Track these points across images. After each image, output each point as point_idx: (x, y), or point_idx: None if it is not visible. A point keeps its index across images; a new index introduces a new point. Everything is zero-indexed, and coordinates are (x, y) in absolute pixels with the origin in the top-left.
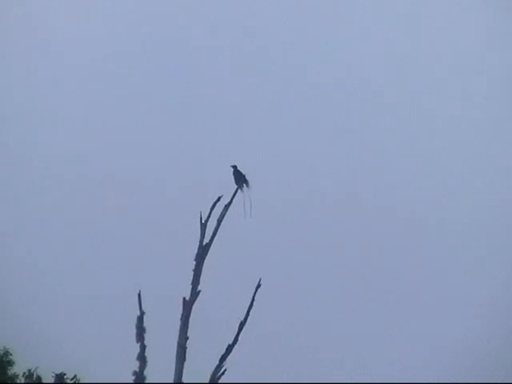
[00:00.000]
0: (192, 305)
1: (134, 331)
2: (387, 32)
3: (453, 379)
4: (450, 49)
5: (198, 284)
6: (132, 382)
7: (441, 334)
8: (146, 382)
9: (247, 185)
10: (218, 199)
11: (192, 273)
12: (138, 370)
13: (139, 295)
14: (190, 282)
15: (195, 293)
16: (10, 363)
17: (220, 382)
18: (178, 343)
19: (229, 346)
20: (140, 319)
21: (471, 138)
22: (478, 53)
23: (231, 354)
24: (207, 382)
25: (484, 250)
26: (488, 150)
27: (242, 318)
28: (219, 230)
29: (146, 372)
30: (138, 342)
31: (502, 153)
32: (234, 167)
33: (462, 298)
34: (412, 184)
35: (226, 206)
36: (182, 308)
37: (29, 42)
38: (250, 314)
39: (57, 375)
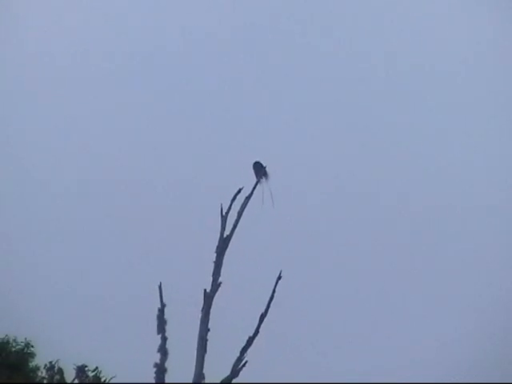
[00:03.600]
0: (213, 297)
1: (155, 323)
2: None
3: (453, 379)
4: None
5: (219, 276)
6: (153, 373)
7: (441, 333)
8: (167, 373)
9: (266, 177)
10: (239, 191)
11: (213, 265)
12: (159, 361)
13: (160, 287)
14: (211, 274)
15: (216, 285)
16: (32, 355)
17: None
18: (199, 335)
19: (249, 338)
20: (161, 311)
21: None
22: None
23: (252, 346)
24: (228, 373)
25: (484, 250)
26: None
27: (263, 310)
28: (240, 222)
29: (167, 364)
30: (159, 333)
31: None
32: (256, 162)
33: (463, 298)
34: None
35: (246, 198)
36: (202, 300)
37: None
38: (271, 306)
39: (78, 367)
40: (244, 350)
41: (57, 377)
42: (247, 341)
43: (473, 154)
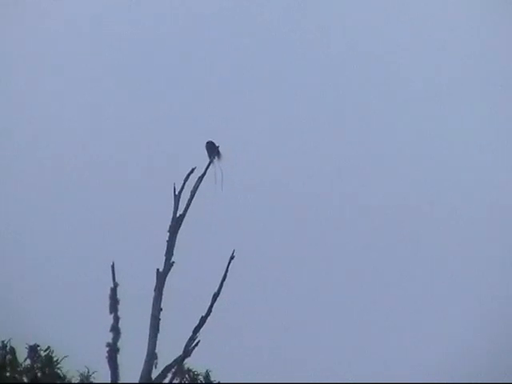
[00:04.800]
0: (165, 276)
1: (107, 302)
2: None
3: (452, 379)
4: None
5: (172, 255)
6: (106, 353)
7: (441, 333)
8: (120, 353)
9: (219, 157)
10: (192, 171)
11: (166, 244)
12: (111, 341)
13: (113, 267)
14: (164, 253)
15: (169, 264)
16: None
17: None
18: (152, 314)
19: (202, 317)
20: (113, 290)
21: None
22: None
23: (204, 326)
24: (181, 353)
25: (485, 251)
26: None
27: (216, 290)
28: (193, 201)
29: (119, 343)
30: (111, 313)
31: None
32: (209, 142)
33: (463, 298)
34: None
35: (199, 177)
36: (155, 279)
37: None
38: (224, 285)
39: (30, 347)
40: (197, 329)
41: (9, 356)
42: (200, 320)
43: (473, 154)
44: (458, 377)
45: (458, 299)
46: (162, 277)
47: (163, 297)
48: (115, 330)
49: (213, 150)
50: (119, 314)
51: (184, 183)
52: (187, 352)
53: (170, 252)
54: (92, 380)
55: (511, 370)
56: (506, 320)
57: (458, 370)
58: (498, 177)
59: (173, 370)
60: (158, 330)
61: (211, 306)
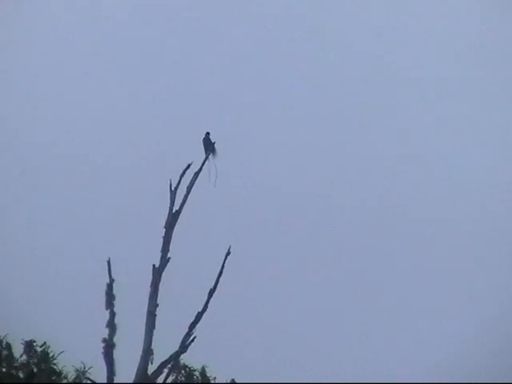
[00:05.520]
0: (161, 272)
1: (103, 298)
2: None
3: (452, 379)
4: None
5: (168, 251)
6: (102, 348)
7: (441, 333)
8: (116, 349)
9: (214, 153)
10: (188, 167)
11: (162, 240)
12: (107, 337)
13: (109, 262)
14: (160, 249)
15: (165, 260)
16: None
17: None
18: (148, 310)
19: (198, 313)
20: (109, 286)
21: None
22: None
23: (200, 322)
24: (177, 349)
25: (485, 251)
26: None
27: (212, 286)
28: (189, 197)
29: (115, 339)
30: (107, 309)
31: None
32: (207, 134)
33: (462, 298)
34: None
35: (195, 173)
36: (151, 275)
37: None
38: (220, 281)
39: (26, 342)
40: (193, 325)
41: (5, 352)
42: (196, 316)
43: (473, 154)
44: (458, 377)
45: (458, 299)
46: (158, 272)
47: (159, 293)
48: (111, 325)
49: (208, 146)
50: (115, 309)
51: (180, 179)
52: (183, 348)
53: (166, 248)
54: (88, 375)
55: (511, 370)
56: (506, 320)
57: (458, 369)
58: (498, 177)
59: (169, 365)
60: (154, 325)
61: (207, 301)
